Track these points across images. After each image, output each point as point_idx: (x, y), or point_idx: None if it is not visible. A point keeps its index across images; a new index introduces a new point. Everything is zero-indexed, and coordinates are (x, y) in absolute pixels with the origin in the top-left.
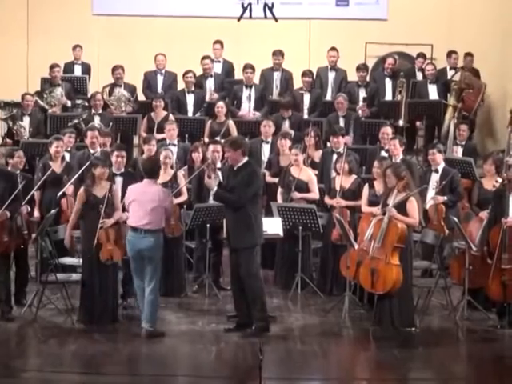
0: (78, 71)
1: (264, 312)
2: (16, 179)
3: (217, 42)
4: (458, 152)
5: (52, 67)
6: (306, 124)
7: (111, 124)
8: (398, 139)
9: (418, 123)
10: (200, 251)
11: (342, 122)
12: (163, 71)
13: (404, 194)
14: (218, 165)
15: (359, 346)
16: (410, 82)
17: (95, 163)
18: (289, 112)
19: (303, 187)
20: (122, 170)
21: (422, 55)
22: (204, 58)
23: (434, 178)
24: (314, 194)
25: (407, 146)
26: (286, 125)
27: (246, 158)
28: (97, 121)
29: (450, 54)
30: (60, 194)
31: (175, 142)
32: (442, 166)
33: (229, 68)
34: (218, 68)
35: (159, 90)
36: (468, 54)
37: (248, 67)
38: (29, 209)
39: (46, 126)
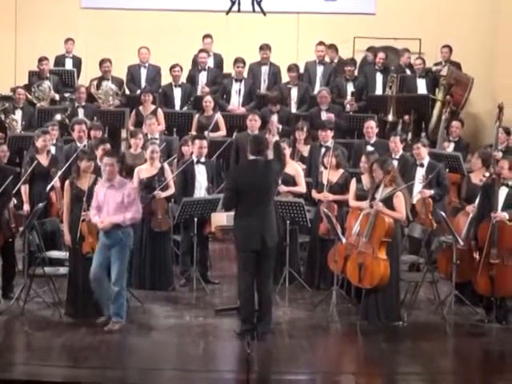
0: (69, 64)
1: None
2: (6, 173)
3: (207, 36)
4: (450, 148)
5: (40, 60)
6: (294, 118)
7: (95, 118)
8: (399, 136)
9: (405, 117)
10: (186, 245)
11: (323, 116)
12: (147, 64)
13: (391, 189)
14: (202, 159)
15: (346, 340)
16: (398, 76)
17: (81, 156)
18: (277, 106)
19: (290, 181)
20: None
21: (407, 50)
22: (201, 51)
23: (420, 172)
24: (301, 188)
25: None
26: (275, 119)
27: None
28: (81, 113)
29: (441, 48)
30: (49, 187)
31: (156, 135)
32: (427, 160)
33: (219, 61)
34: (209, 62)
35: (143, 83)
36: (445, 46)
37: (239, 61)
38: (15, 202)
39: None
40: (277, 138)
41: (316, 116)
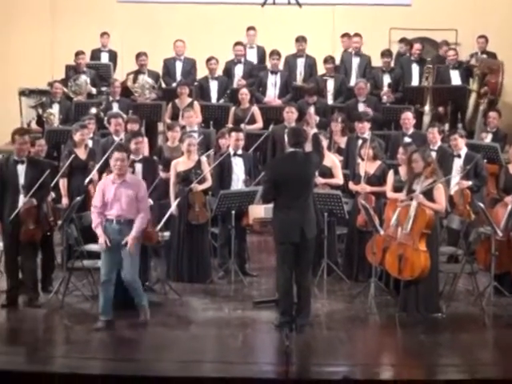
0: (104, 58)
1: None
2: (44, 167)
3: (251, 28)
4: (488, 139)
5: (77, 54)
6: (330, 110)
7: (130, 112)
8: (437, 127)
9: (440, 108)
10: (224, 238)
11: (361, 108)
12: (182, 57)
13: (431, 180)
14: (239, 152)
15: (385, 332)
16: (435, 67)
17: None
18: (313, 98)
19: (327, 173)
20: (141, 157)
21: (446, 43)
22: (237, 43)
23: (457, 163)
24: (338, 180)
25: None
26: (312, 111)
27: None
28: (115, 107)
29: (478, 38)
30: (87, 180)
31: (195, 128)
32: (464, 150)
33: (262, 53)
34: (252, 54)
35: (178, 76)
36: (481, 36)
37: (274, 53)
38: (53, 195)
39: None
40: (315, 130)
41: (353, 108)
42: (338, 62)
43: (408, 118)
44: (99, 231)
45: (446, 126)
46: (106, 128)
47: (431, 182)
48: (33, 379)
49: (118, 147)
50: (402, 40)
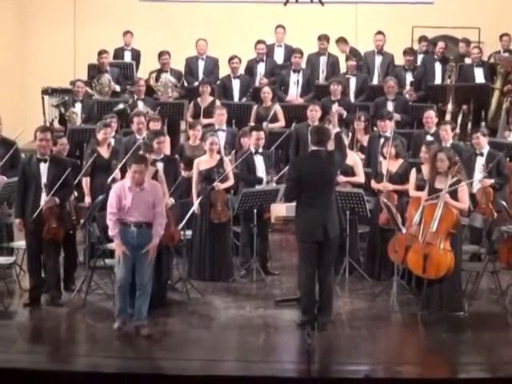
0: (127, 57)
1: None
2: (67, 166)
3: (279, 26)
4: (511, 137)
5: (100, 53)
6: (353, 108)
7: (158, 108)
8: (450, 124)
9: (464, 106)
10: (246, 236)
11: (390, 106)
12: (204, 56)
13: (455, 179)
14: (260, 150)
15: (407, 331)
16: (457, 65)
17: (140, 149)
18: (337, 96)
19: (348, 171)
20: (162, 156)
21: (465, 40)
22: (259, 42)
23: (480, 161)
24: (360, 178)
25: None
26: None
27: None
28: (140, 106)
29: (501, 36)
30: (110, 179)
31: (224, 127)
32: (486, 149)
33: (290, 52)
34: (279, 52)
35: (200, 75)
36: (505, 35)
37: (297, 52)
38: (76, 194)
39: None
40: (338, 129)
41: (382, 106)
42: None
43: (431, 116)
44: (118, 241)
45: (469, 125)
46: (128, 126)
47: (456, 181)
48: (55, 378)
49: (137, 159)
50: (422, 38)
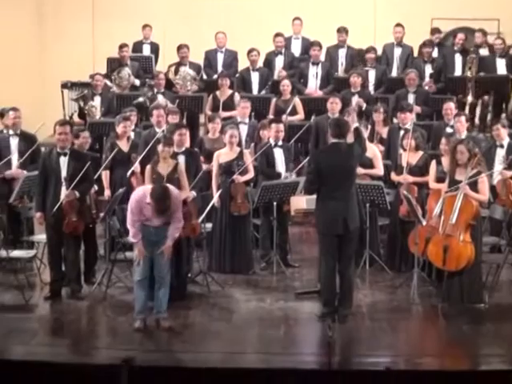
0: (146, 51)
1: None
2: (87, 159)
3: (296, 18)
4: None
5: (121, 47)
6: (372, 100)
7: (177, 101)
8: (464, 116)
9: (486, 97)
10: (266, 229)
11: (411, 98)
12: (223, 49)
13: (475, 171)
14: (280, 143)
15: (428, 323)
16: (477, 57)
17: (160, 142)
18: (357, 88)
19: (367, 163)
20: (184, 148)
21: (480, 31)
22: (277, 35)
23: (500, 153)
24: (379, 170)
25: (472, 121)
26: (354, 101)
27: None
28: (160, 99)
29: None
30: (129, 172)
31: (246, 120)
32: (507, 140)
33: (307, 45)
34: (296, 44)
35: (219, 68)
36: None
37: (315, 44)
38: (96, 188)
39: None
40: (356, 124)
41: (403, 98)
42: (379, 52)
43: (450, 108)
44: (139, 246)
45: (489, 116)
46: (148, 119)
47: (476, 173)
48: (76, 370)
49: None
50: (434, 30)
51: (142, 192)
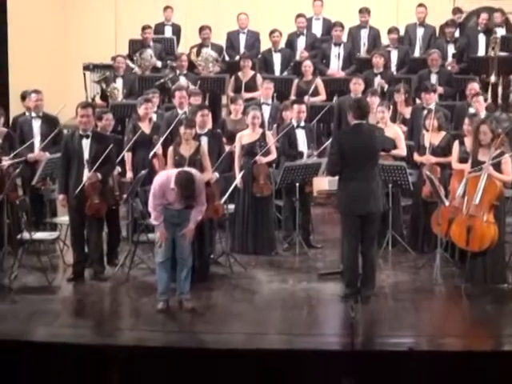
0: (168, 32)
1: None
2: (109, 142)
3: None
4: None
5: (144, 28)
6: (395, 81)
7: (199, 83)
8: (482, 96)
9: (510, 77)
10: (288, 210)
11: (433, 79)
12: (246, 30)
13: (499, 151)
14: (302, 124)
15: (451, 303)
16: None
17: (182, 123)
18: (380, 68)
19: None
20: (206, 130)
21: (500, 10)
22: (299, 15)
23: None
24: (401, 151)
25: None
26: (376, 81)
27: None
28: (182, 81)
29: None
30: (151, 154)
31: (269, 101)
32: None
33: (328, 26)
34: (317, 25)
35: (242, 49)
36: None
37: (337, 25)
38: (119, 170)
39: None
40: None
41: (426, 78)
42: (402, 32)
43: (474, 88)
44: (161, 229)
45: (511, 96)
46: (170, 101)
47: (499, 154)
48: (99, 352)
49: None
50: (456, 10)
51: (166, 177)
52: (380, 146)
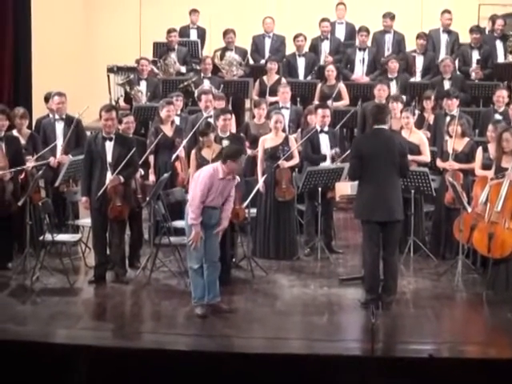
0: (193, 35)
1: None
2: (132, 144)
3: (340, 3)
4: None
5: (169, 32)
6: (418, 87)
7: (222, 86)
8: (504, 88)
9: None
10: (310, 214)
11: (446, 85)
12: (271, 34)
13: None
14: (325, 128)
15: (472, 310)
16: None
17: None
18: (394, 73)
19: (414, 150)
20: (228, 133)
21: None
22: (323, 20)
23: None
24: (425, 157)
25: None
26: (394, 87)
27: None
28: (206, 84)
29: None
30: (174, 157)
31: (288, 105)
32: None
33: (351, 30)
34: (340, 30)
35: (267, 53)
36: None
37: (363, 30)
38: (142, 172)
39: None
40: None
41: (439, 85)
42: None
43: (502, 95)
44: (198, 229)
45: None
46: (194, 104)
47: None
48: (120, 354)
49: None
50: (492, 17)
51: (212, 169)
52: (401, 152)
